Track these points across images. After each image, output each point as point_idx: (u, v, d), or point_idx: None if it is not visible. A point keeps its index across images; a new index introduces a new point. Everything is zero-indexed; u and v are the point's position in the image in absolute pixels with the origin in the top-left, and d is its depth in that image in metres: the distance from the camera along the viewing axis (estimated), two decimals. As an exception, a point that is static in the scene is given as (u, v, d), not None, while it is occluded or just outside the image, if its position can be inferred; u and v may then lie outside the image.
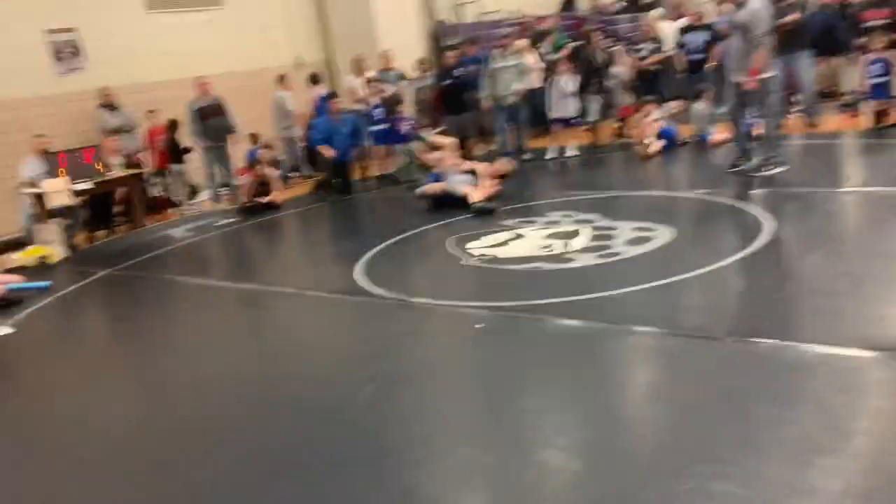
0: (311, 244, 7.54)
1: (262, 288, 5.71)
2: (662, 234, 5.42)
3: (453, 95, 9.82)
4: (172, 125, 10.13)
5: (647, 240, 5.35)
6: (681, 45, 9.67)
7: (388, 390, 3.53)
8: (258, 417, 3.46)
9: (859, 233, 4.88)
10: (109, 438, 3.48)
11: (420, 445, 2.95)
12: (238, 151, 10.08)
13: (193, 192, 10.53)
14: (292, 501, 2.69)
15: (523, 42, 10.75)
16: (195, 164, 10.30)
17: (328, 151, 9.14)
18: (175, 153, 10.17)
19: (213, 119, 9.43)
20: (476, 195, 7.30)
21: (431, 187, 7.65)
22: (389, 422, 3.22)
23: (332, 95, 9.44)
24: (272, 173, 9.40)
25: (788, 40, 9.14)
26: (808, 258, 4.57)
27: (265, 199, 8.95)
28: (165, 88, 10.37)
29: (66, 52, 9.77)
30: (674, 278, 4.44)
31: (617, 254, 5.11)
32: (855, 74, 9.49)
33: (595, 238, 5.59)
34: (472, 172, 7.74)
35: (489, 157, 9.71)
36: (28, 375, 4.65)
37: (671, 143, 9.08)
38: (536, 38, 11.35)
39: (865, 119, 8.80)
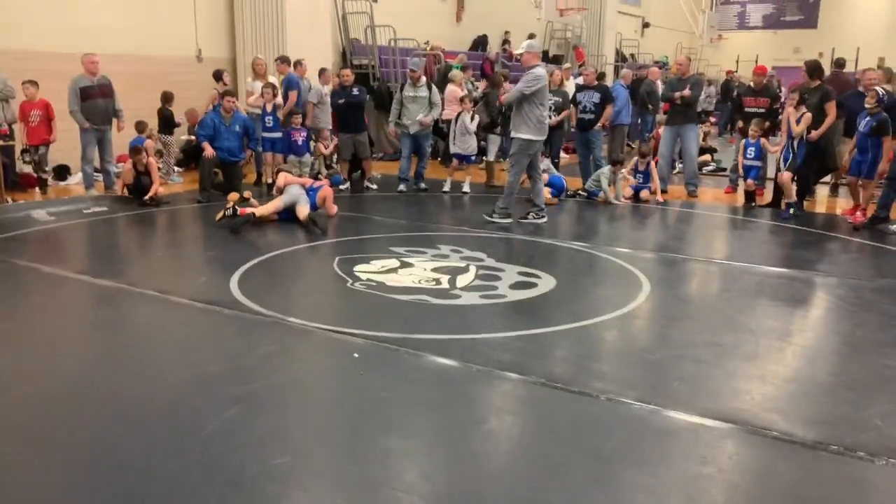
0: (186, 246, 7.11)
1: (125, 287, 5.29)
2: (546, 282, 5.49)
3: (348, 114, 9.69)
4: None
5: (530, 285, 5.40)
6: (575, 102, 9.99)
7: (250, 415, 3.30)
8: (100, 430, 3.14)
9: (728, 305, 5.11)
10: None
11: (275, 480, 2.76)
12: (119, 138, 9.47)
13: (63, 173, 9.82)
14: (126, 532, 2.43)
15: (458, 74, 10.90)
16: (69, 145, 9.59)
17: (208, 150, 8.79)
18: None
19: (98, 99, 8.81)
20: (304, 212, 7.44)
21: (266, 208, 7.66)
22: (247, 450, 3.00)
23: (228, 94, 9.10)
24: (154, 165, 8.87)
25: (679, 113, 9.72)
26: (680, 323, 4.73)
27: (148, 196, 8.44)
28: (49, 60, 9.66)
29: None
30: (553, 328, 4.48)
31: (502, 296, 5.12)
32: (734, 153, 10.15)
33: (482, 277, 5.59)
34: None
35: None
36: None
37: (558, 192, 9.31)
38: (445, 72, 11.42)
39: (739, 196, 9.40)
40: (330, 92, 10.12)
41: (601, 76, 11.28)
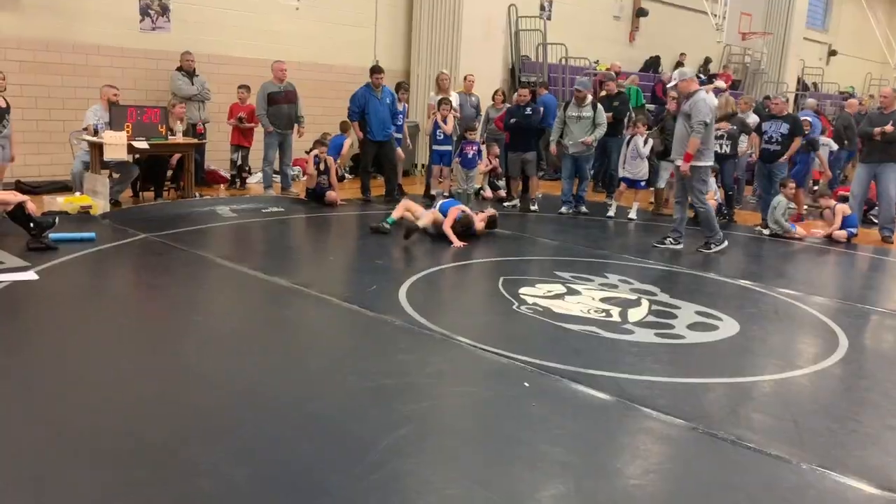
0: (356, 252, 7.27)
1: (298, 288, 5.44)
2: (728, 326, 5.08)
3: (519, 133, 9.61)
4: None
5: (711, 328, 5.02)
6: (760, 132, 9.37)
7: (423, 436, 3.23)
8: (270, 431, 3.18)
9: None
10: (91, 418, 3.23)
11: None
12: (299, 143, 9.93)
13: (244, 173, 10.40)
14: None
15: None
16: (252, 146, 10.19)
17: (358, 132, 9.25)
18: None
19: (283, 105, 9.29)
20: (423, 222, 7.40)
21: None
22: (419, 476, 2.91)
23: (377, 70, 9.38)
24: (334, 167, 9.24)
25: (878, 150, 8.84)
26: (885, 387, 4.20)
27: (327, 200, 8.81)
28: (242, 65, 10.34)
29: (154, 10, 9.75)
30: (745, 378, 4.11)
31: (680, 336, 4.78)
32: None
33: (655, 313, 5.27)
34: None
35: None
36: (34, 331, 4.41)
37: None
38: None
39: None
40: (505, 110, 10.10)
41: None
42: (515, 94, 10.22)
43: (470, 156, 9.49)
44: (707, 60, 19.47)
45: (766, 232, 8.79)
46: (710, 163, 7.56)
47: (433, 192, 9.78)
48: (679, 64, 18.49)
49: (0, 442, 2.99)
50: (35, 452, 2.93)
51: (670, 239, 7.71)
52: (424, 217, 7.47)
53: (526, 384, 3.86)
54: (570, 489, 2.88)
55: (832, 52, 25.12)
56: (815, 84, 22.96)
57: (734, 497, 2.88)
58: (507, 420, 3.48)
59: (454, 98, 9.99)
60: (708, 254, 7.51)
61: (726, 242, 7.66)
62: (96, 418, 3.26)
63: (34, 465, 2.83)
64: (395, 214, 7.60)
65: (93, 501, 2.61)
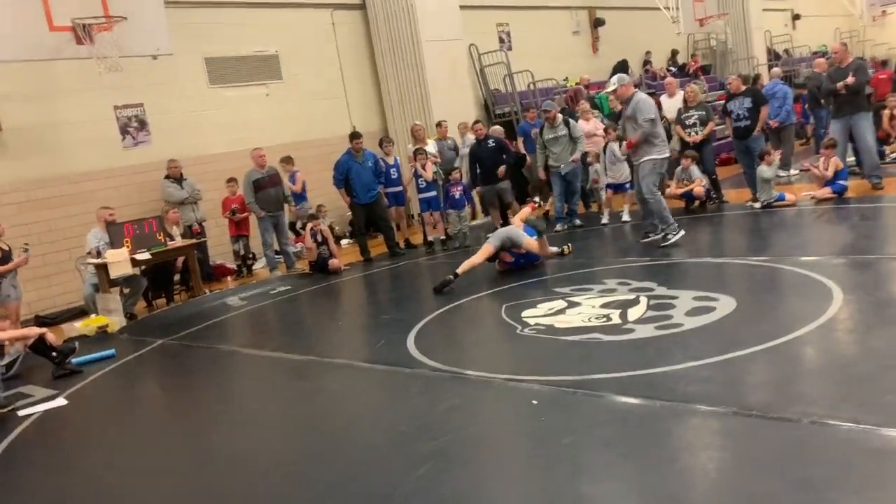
0: (363, 312, 7.51)
1: (313, 359, 5.66)
2: (725, 304, 5.21)
3: (484, 167, 9.94)
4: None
5: (708, 310, 5.15)
6: (726, 112, 9.56)
7: (441, 472, 3.39)
8: (305, 500, 3.35)
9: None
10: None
11: (474, 534, 2.80)
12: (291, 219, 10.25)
13: (249, 260, 10.70)
14: None
15: (585, 105, 10.94)
16: (251, 233, 10.51)
17: (345, 197, 9.61)
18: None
19: (269, 189, 9.62)
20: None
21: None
22: (442, 506, 3.08)
23: (356, 136, 9.69)
24: (330, 235, 9.52)
25: (846, 103, 9.00)
26: (883, 331, 4.31)
27: (331, 268, 9.07)
28: (226, 159, 10.72)
29: (133, 127, 10.20)
30: (740, 352, 4.23)
31: (679, 325, 4.92)
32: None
33: (654, 308, 5.41)
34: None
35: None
36: (73, 451, 4.64)
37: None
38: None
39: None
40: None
41: (755, 79, 10.70)
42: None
43: (457, 196, 9.74)
44: (674, 52, 19.80)
45: (757, 205, 8.91)
46: (665, 155, 7.68)
47: (430, 238, 10.03)
48: (647, 62, 18.86)
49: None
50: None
51: (666, 232, 7.76)
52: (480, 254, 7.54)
53: (534, 402, 4.01)
54: (590, 492, 3.03)
55: (796, 17, 25.43)
56: (786, 51, 23.19)
57: (745, 467, 3.01)
58: (521, 440, 3.65)
59: (431, 146, 10.30)
60: (666, 246, 7.43)
61: (683, 231, 7.55)
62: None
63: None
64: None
65: None
